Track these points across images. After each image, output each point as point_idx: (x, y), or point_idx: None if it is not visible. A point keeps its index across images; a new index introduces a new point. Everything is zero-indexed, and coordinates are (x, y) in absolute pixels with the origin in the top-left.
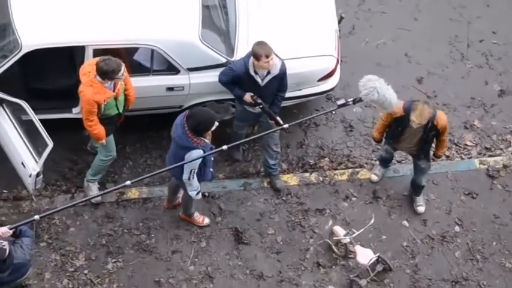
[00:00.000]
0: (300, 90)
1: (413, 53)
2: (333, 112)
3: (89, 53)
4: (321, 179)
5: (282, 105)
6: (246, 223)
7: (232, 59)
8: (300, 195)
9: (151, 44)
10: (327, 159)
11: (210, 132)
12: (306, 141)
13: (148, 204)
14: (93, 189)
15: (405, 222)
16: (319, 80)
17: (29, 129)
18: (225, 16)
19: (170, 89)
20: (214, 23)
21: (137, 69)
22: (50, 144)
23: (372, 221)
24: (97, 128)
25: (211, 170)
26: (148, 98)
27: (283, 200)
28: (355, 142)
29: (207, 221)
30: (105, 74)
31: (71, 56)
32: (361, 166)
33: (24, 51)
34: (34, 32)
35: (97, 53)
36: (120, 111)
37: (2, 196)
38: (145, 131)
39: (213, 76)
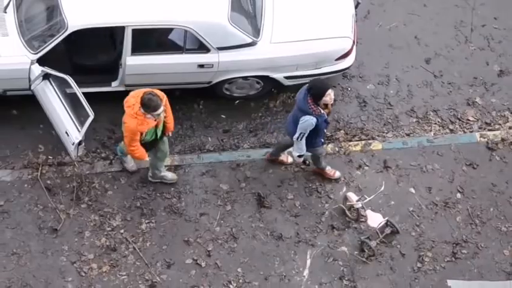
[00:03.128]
0: (319, 68)
1: (422, 35)
2: (349, 88)
3: (128, 32)
4: (336, 149)
5: (303, 82)
6: (268, 189)
7: (258, 40)
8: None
9: (185, 25)
10: (342, 131)
11: (328, 104)
12: None
13: (179, 170)
14: (128, 161)
15: (412, 190)
16: (337, 59)
17: (72, 101)
18: (252, 0)
19: (201, 66)
20: (242, 7)
21: (171, 47)
22: (91, 115)
23: (382, 188)
24: (138, 152)
25: (322, 140)
26: (181, 74)
27: (301, 168)
28: (368, 116)
29: (337, 174)
30: (147, 108)
31: (112, 34)
32: (373, 138)
33: (69, 30)
34: (79, 14)
35: (135, 32)
36: (158, 137)
37: (48, 162)
38: (176, 103)
39: (239, 55)
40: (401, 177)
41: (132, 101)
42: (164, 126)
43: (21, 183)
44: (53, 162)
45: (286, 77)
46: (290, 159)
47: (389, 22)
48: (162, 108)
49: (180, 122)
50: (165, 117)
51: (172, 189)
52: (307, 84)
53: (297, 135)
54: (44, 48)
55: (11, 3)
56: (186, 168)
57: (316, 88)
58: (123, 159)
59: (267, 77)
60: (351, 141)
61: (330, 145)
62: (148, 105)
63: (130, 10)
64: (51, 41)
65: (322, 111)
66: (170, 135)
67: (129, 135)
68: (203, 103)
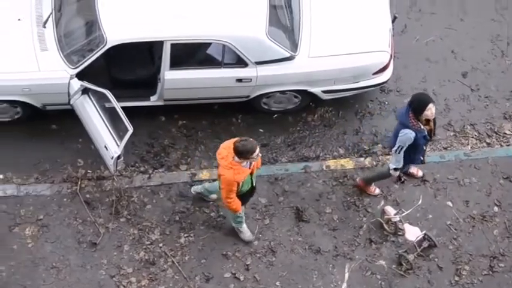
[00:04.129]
0: (357, 82)
1: (458, 49)
2: (386, 102)
3: (166, 47)
4: (374, 163)
5: (340, 96)
6: (306, 203)
7: (296, 54)
8: (355, 178)
9: (223, 40)
10: (379, 145)
11: (429, 119)
12: (361, 128)
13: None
14: (244, 231)
15: (449, 203)
16: (374, 74)
17: (111, 116)
18: (289, 14)
19: (239, 80)
20: (280, 21)
21: (210, 62)
22: (130, 129)
23: (420, 201)
24: (235, 203)
25: (421, 157)
26: (219, 88)
27: (340, 182)
28: None
29: (377, 191)
30: (242, 154)
31: (150, 49)
32: None
33: (108, 45)
34: (118, 28)
35: (174, 47)
36: (254, 184)
37: (87, 176)
38: (215, 117)
39: (277, 69)
40: (438, 191)
41: (225, 152)
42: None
43: (61, 197)
44: (92, 176)
45: (324, 91)
46: (377, 191)
47: (426, 36)
48: (258, 150)
49: (219, 136)
50: None
51: (211, 203)
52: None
53: (395, 147)
54: (83, 62)
55: (50, 18)
56: None
57: (417, 102)
58: (238, 229)
59: (305, 91)
60: (388, 154)
61: (367, 159)
62: (245, 151)
63: (169, 25)
64: (90, 55)
65: (422, 126)
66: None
67: (227, 186)
68: (241, 117)
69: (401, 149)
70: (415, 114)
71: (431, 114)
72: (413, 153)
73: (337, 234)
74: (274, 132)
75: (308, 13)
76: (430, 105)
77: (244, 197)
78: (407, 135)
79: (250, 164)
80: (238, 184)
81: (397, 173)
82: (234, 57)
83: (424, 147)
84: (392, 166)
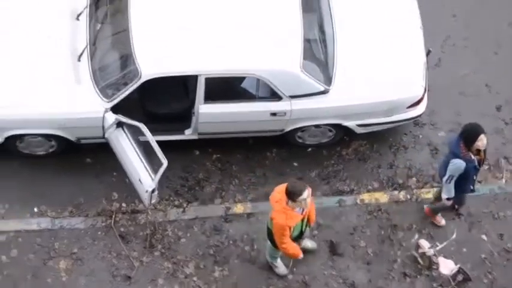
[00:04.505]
0: (391, 116)
1: (492, 83)
2: (420, 136)
3: (201, 80)
4: (408, 196)
5: (374, 129)
6: (340, 236)
7: (330, 88)
8: (389, 212)
9: (257, 74)
10: (414, 178)
11: (480, 150)
12: (395, 162)
13: (251, 218)
14: (279, 265)
15: (484, 237)
16: (409, 107)
17: (146, 149)
18: (324, 48)
19: (273, 114)
20: (314, 55)
21: (244, 95)
22: (165, 163)
23: (454, 235)
24: (291, 248)
25: (471, 187)
26: (253, 122)
27: (374, 216)
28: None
29: (443, 222)
30: (290, 195)
31: (185, 82)
32: None
33: (143, 79)
34: (152, 62)
35: (208, 80)
36: (303, 231)
37: (121, 209)
38: (249, 151)
39: (312, 103)
40: (473, 224)
41: (278, 196)
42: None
43: (95, 230)
44: (126, 210)
45: (358, 125)
46: (443, 222)
47: (460, 70)
48: (307, 193)
49: (253, 170)
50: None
51: (245, 236)
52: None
53: (446, 177)
54: (118, 96)
55: (85, 51)
56: (259, 215)
57: (468, 132)
58: (273, 264)
59: (339, 124)
60: (422, 188)
61: (402, 192)
62: (293, 192)
63: (203, 58)
64: (124, 89)
65: (472, 156)
66: (312, 225)
67: (279, 231)
68: (276, 151)
69: (451, 178)
70: (466, 145)
71: (483, 145)
72: (463, 183)
73: (371, 268)
74: (308, 166)
75: (342, 47)
76: (482, 136)
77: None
78: (457, 165)
79: (303, 210)
80: (290, 229)
81: (450, 202)
82: (268, 91)
83: (475, 177)
84: (444, 196)
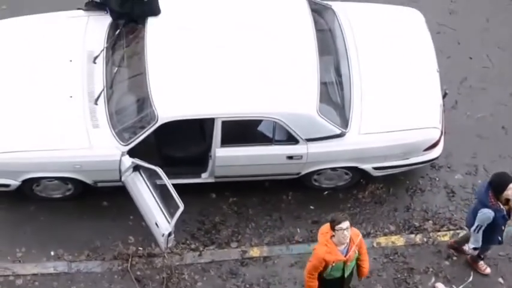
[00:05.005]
0: (408, 159)
1: (509, 125)
2: (437, 179)
3: (217, 124)
4: (425, 239)
5: (391, 172)
6: (356, 279)
7: (347, 131)
8: (405, 255)
9: (274, 117)
10: (430, 221)
11: (509, 199)
12: (412, 205)
13: (268, 262)
14: None
15: (500, 280)
16: (425, 150)
17: (162, 193)
18: (340, 91)
19: (290, 157)
20: (331, 98)
21: (261, 139)
22: (181, 206)
23: (471, 278)
24: (313, 283)
25: (499, 238)
26: (270, 166)
27: (390, 259)
28: (457, 206)
29: (488, 270)
30: (331, 222)
31: (201, 126)
32: (461, 228)
33: (160, 122)
34: (169, 106)
35: (225, 124)
36: (346, 275)
37: (138, 253)
38: (266, 194)
39: (328, 146)
40: (489, 268)
41: (326, 229)
42: (358, 269)
43: (111, 274)
44: (142, 253)
45: (375, 168)
46: (488, 271)
47: (476, 112)
48: (346, 224)
49: (270, 213)
50: (359, 259)
51: (262, 280)
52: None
53: (474, 227)
54: (135, 140)
55: (102, 95)
56: (275, 259)
57: (497, 182)
58: None
59: (356, 167)
60: (439, 231)
61: (418, 235)
62: (333, 219)
63: (220, 102)
64: (141, 132)
65: (501, 206)
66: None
67: (314, 261)
68: (292, 194)
69: (479, 228)
70: (495, 194)
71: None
72: (491, 233)
73: None
74: (324, 209)
75: (358, 89)
76: (511, 185)
77: (330, 284)
78: (486, 215)
79: (347, 252)
80: (326, 264)
81: (476, 252)
82: (284, 134)
83: (503, 227)
84: (471, 246)
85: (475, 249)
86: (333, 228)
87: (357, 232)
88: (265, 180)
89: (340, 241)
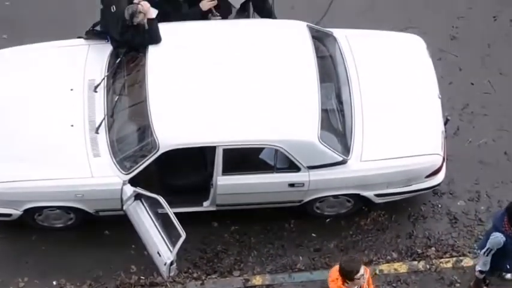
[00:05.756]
0: (410, 185)
1: (511, 151)
2: (439, 205)
3: (219, 152)
4: (427, 266)
5: (393, 199)
6: None
7: (348, 158)
8: (408, 282)
9: (275, 145)
10: (433, 248)
11: None
12: (414, 232)
13: None
14: None
15: None
16: (427, 176)
17: (164, 221)
18: (341, 118)
19: (291, 185)
20: (332, 125)
21: (262, 167)
22: (183, 235)
23: None
24: None
25: (507, 265)
26: (272, 193)
27: (393, 286)
28: (459, 233)
29: None
30: (346, 275)
31: (203, 154)
32: (464, 255)
33: (161, 151)
34: (170, 134)
35: (226, 152)
36: None
37: (140, 282)
38: (268, 223)
39: (330, 173)
40: None
41: (335, 275)
42: None
43: None
44: (145, 282)
45: (377, 195)
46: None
47: (478, 138)
48: (363, 268)
49: (272, 241)
50: None
51: None
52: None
53: (484, 249)
54: (136, 168)
55: (103, 123)
56: (278, 287)
57: (509, 209)
58: None
59: (358, 195)
60: (442, 258)
61: (421, 262)
62: (350, 271)
63: (221, 130)
64: (142, 161)
65: None
66: None
67: None
68: (294, 222)
69: (489, 251)
70: (510, 221)
71: None
72: (501, 259)
73: None
74: (327, 236)
75: (360, 116)
76: None
77: None
78: (497, 239)
79: None
80: None
81: (483, 275)
82: (286, 162)
83: None
84: (478, 268)
85: (481, 272)
86: (351, 279)
87: (359, 261)
88: (267, 208)
89: (356, 285)
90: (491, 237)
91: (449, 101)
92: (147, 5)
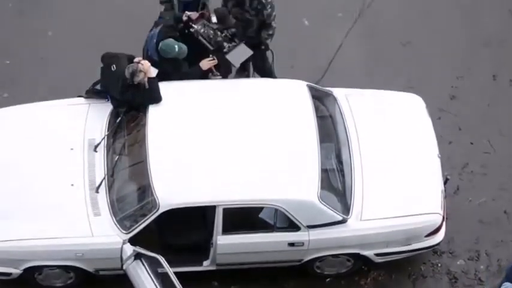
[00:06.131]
0: (410, 245)
1: (511, 210)
2: (439, 264)
3: (219, 211)
4: None
5: (393, 258)
6: None
7: (348, 217)
8: None
9: (275, 204)
10: None
11: None
12: None
13: None
14: None
15: None
16: (427, 236)
17: (164, 281)
18: (341, 178)
19: (291, 244)
20: (332, 184)
21: (262, 226)
22: None
23: None
24: None
25: None
26: (271, 253)
27: None
28: None
29: None
30: None
31: (203, 213)
32: None
33: (161, 210)
34: (170, 193)
35: (226, 211)
36: None
37: None
38: (268, 282)
39: (330, 233)
40: None
41: None
42: None
43: None
44: None
45: (377, 254)
46: None
47: (478, 197)
48: None
49: None
50: None
51: None
52: None
53: None
54: (136, 228)
55: (103, 183)
56: None
57: None
58: None
59: (358, 254)
60: None
61: None
62: None
63: (221, 189)
64: (142, 220)
65: None
66: None
67: None
68: (294, 282)
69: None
70: None
71: None
72: None
73: None
74: None
75: (359, 176)
76: None
77: None
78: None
79: None
80: None
81: None
82: (286, 221)
83: None
84: None
85: None
86: None
87: None
88: (267, 268)
89: None
90: (502, 287)
91: (448, 160)
92: (147, 63)
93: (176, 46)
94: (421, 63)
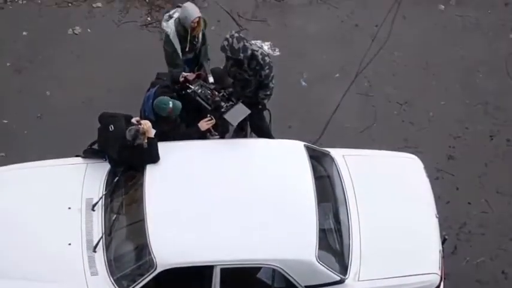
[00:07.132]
0: None
1: (510, 270)
2: None
3: (216, 271)
4: None
5: None
6: None
7: (346, 277)
8: None
9: (273, 264)
10: None
11: None
12: None
13: None
14: None
15: None
16: None
17: None
18: (339, 238)
19: None
20: (329, 244)
21: (259, 286)
22: None
23: None
24: None
25: None
26: None
27: None
28: None
29: None
30: None
31: (201, 271)
32: None
33: (158, 270)
34: (167, 253)
35: (224, 271)
36: None
37: None
38: None
39: None
40: None
41: None
42: None
43: None
44: None
45: None
46: None
47: (476, 257)
48: None
49: None
50: None
51: None
52: None
53: None
54: (133, 287)
55: (101, 242)
56: None
57: None
58: None
59: None
60: None
61: None
62: None
63: (218, 249)
64: (140, 280)
65: None
66: None
67: None
68: None
69: None
70: None
71: None
72: None
73: None
74: None
75: (357, 236)
76: None
77: None
78: None
79: None
80: None
81: None
82: (283, 281)
83: None
84: None
85: None
86: None
87: None
88: None
89: None
90: None
91: (446, 220)
92: (147, 124)
93: (170, 102)
94: (419, 123)
